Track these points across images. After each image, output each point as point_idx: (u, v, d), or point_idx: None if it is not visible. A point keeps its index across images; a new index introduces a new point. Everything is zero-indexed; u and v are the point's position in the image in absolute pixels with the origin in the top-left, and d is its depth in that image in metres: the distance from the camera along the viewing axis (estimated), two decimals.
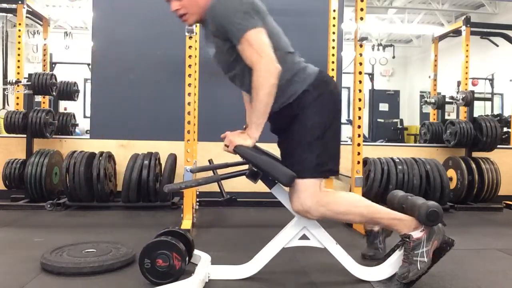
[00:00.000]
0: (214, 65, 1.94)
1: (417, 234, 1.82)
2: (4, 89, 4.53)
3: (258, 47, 1.67)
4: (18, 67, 4.38)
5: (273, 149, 2.02)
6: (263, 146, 1.92)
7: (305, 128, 1.78)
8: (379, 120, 10.87)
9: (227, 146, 1.77)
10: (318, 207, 1.76)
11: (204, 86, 3.71)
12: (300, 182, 1.76)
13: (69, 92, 4.66)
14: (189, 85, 2.99)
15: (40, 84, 3.91)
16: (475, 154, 4.30)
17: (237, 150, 1.74)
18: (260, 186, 1.92)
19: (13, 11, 4.53)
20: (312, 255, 2.23)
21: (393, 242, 2.06)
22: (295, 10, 4.32)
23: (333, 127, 1.82)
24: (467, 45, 4.78)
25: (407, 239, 1.82)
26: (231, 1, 1.72)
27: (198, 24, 3.09)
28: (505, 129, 5.87)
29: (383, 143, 6.94)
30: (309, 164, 1.76)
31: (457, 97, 4.52)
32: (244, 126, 2.01)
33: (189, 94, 2.98)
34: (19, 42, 4.41)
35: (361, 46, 3.08)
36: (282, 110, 1.81)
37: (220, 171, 1.95)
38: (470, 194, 4.08)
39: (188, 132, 2.99)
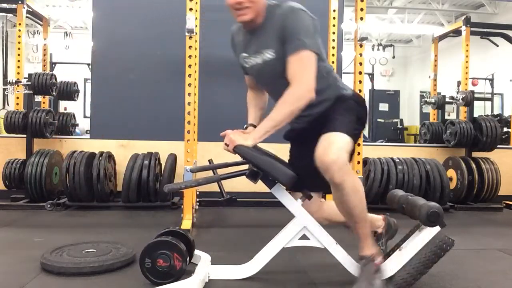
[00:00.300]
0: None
1: (378, 260, 1.83)
2: (4, 89, 4.53)
3: (305, 68, 1.72)
4: (18, 67, 4.39)
5: (273, 149, 2.02)
6: (263, 146, 1.92)
7: (346, 109, 1.87)
8: (379, 120, 10.88)
9: (227, 145, 1.77)
10: (347, 171, 1.72)
11: (204, 86, 3.71)
12: (342, 135, 1.75)
13: (69, 92, 4.67)
14: (189, 85, 2.99)
15: (40, 84, 3.91)
16: (475, 154, 4.31)
17: (237, 150, 1.74)
18: (260, 186, 1.91)
19: (13, 11, 4.54)
20: (312, 255, 2.23)
21: (394, 243, 2.05)
22: None
23: (359, 128, 1.93)
24: (467, 45, 4.78)
25: (370, 262, 1.82)
26: (305, 15, 1.77)
27: (198, 25, 3.10)
28: (505, 129, 5.87)
29: (383, 143, 6.94)
30: (349, 124, 1.82)
31: (457, 97, 4.53)
32: (245, 126, 2.01)
33: (189, 94, 2.98)
34: (19, 42, 4.42)
35: (361, 46, 3.09)
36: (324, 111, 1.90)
37: (220, 171, 1.95)
38: (470, 194, 4.09)
39: (188, 132, 2.99)
